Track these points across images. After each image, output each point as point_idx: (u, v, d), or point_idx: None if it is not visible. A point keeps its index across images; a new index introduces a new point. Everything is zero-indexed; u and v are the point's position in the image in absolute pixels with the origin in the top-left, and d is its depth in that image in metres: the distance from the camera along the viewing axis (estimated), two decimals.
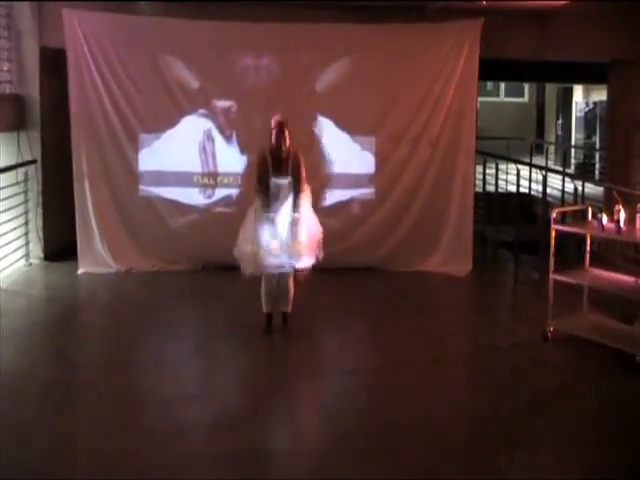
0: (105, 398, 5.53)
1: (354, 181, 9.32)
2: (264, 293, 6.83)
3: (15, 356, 6.28)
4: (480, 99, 11.02)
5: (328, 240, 9.03)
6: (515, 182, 10.47)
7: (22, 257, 9.26)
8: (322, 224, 9.13)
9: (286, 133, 6.63)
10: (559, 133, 21.85)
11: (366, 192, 9.35)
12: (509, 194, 11.29)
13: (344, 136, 9.22)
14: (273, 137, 6.64)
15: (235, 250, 6.76)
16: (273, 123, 6.68)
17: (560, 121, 21.90)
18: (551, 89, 22.28)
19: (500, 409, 5.40)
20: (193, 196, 9.23)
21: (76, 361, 6.40)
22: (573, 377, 6.04)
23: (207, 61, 9.04)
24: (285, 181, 6.66)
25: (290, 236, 6.67)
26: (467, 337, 7.24)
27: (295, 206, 6.69)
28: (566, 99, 21.48)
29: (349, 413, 5.39)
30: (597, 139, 19.16)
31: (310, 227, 6.82)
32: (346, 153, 9.24)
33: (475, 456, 4.80)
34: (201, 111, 9.13)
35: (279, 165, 6.65)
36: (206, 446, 4.84)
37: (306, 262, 6.78)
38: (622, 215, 6.41)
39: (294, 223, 6.67)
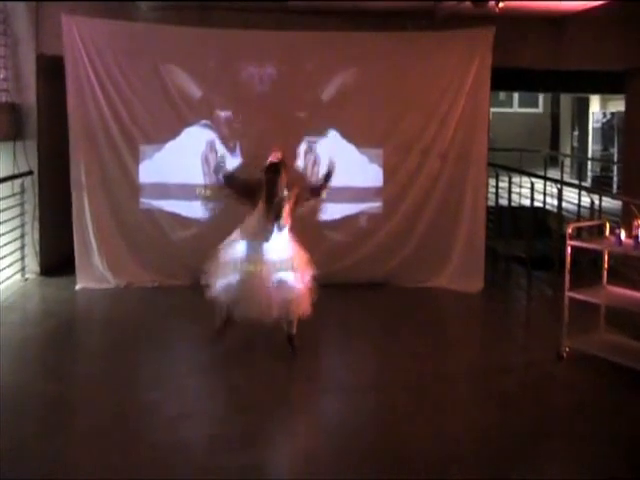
0: (102, 415, 5.57)
1: (361, 194, 9.38)
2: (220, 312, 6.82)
3: (9, 372, 6.33)
4: (492, 109, 11.09)
5: (334, 255, 9.22)
6: (529, 195, 10.50)
7: (18, 272, 9.33)
8: (328, 238, 9.31)
9: (281, 180, 6.52)
10: (575, 145, 21.90)
11: (374, 206, 9.41)
12: (522, 208, 11.32)
13: (351, 148, 9.29)
14: (265, 183, 6.52)
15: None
16: (266, 166, 6.57)
17: (576, 132, 21.95)
18: (566, 99, 22.35)
19: (512, 429, 5.43)
20: (195, 209, 9.29)
21: (72, 378, 6.43)
22: (588, 396, 6.06)
23: (210, 70, 9.13)
24: (273, 225, 6.58)
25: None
26: (478, 355, 7.28)
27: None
28: (582, 110, 21.54)
29: (354, 432, 5.42)
30: (615, 151, 19.20)
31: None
32: (353, 165, 9.29)
33: (485, 477, 4.82)
34: (204, 121, 9.21)
35: (270, 208, 6.55)
36: (207, 465, 4.87)
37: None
38: None
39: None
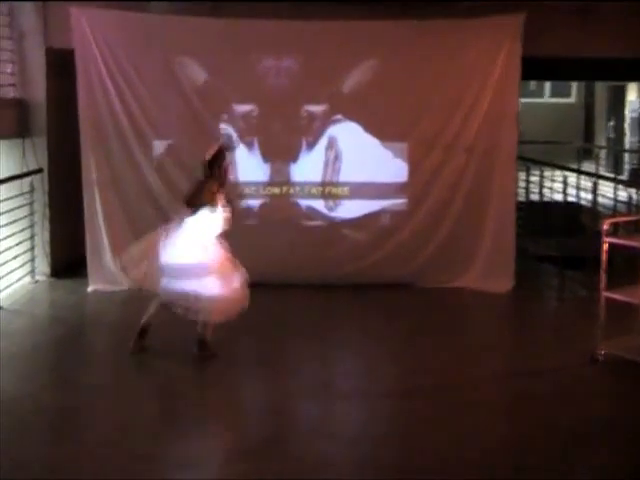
0: (113, 426, 5.56)
1: (385, 190, 9.32)
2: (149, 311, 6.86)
3: (17, 381, 6.34)
4: (522, 100, 10.96)
5: (356, 254, 9.18)
6: (561, 190, 10.39)
7: (27, 274, 9.34)
8: (349, 236, 9.27)
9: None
10: (610, 136, 21.69)
11: (397, 202, 9.34)
12: (554, 203, 11.22)
13: (374, 142, 9.23)
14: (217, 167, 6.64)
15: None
16: (212, 151, 6.66)
17: (611, 123, 21.74)
18: (601, 88, 22.15)
19: (541, 438, 5.34)
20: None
21: (82, 386, 6.42)
22: (624, 405, 5.97)
23: (225, 63, 9.08)
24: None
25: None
26: (507, 359, 7.21)
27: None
28: (618, 98, 21.33)
29: (375, 439, 5.37)
30: None
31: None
32: (376, 160, 9.25)
33: None
34: (219, 116, 9.16)
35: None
36: (221, 476, 4.82)
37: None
38: None
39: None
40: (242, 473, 4.89)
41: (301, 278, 8.80)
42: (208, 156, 6.60)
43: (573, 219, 11.31)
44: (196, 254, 6.60)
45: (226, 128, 9.13)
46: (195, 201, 6.66)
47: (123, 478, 4.78)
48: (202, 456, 5.10)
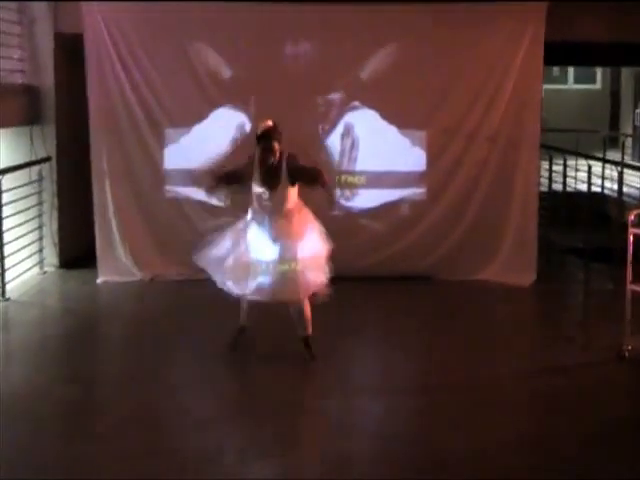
0: (126, 420, 5.59)
1: (403, 179, 9.32)
2: (241, 306, 6.74)
3: (28, 374, 6.40)
4: (545, 87, 10.95)
5: (374, 246, 9.19)
6: (586, 180, 10.36)
7: (36, 264, 9.41)
8: (367, 227, 9.28)
9: (275, 145, 6.35)
10: (637, 124, 21.55)
11: (416, 192, 9.35)
12: (579, 194, 11.20)
13: (392, 129, 9.23)
14: (260, 151, 6.41)
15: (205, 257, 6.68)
16: (259, 133, 6.43)
17: (638, 110, 21.62)
18: (628, 74, 21.98)
19: (565, 438, 5.34)
20: (224, 197, 9.29)
21: (94, 379, 6.49)
22: None
23: (241, 48, 9.09)
24: (271, 196, 6.43)
25: (281, 254, 6.42)
26: (529, 355, 7.20)
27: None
28: None
29: (394, 438, 5.37)
30: None
31: (313, 244, 6.57)
32: (394, 148, 9.26)
33: None
34: (235, 103, 9.19)
35: (266, 179, 6.42)
36: (235, 474, 4.87)
37: (307, 287, 6.52)
38: None
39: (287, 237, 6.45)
40: (261, 471, 4.92)
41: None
42: (258, 130, 6.48)
43: (599, 210, 11.29)
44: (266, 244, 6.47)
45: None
46: (229, 179, 6.62)
47: (139, 474, 4.81)
48: (219, 452, 5.13)
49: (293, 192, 6.50)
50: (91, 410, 5.87)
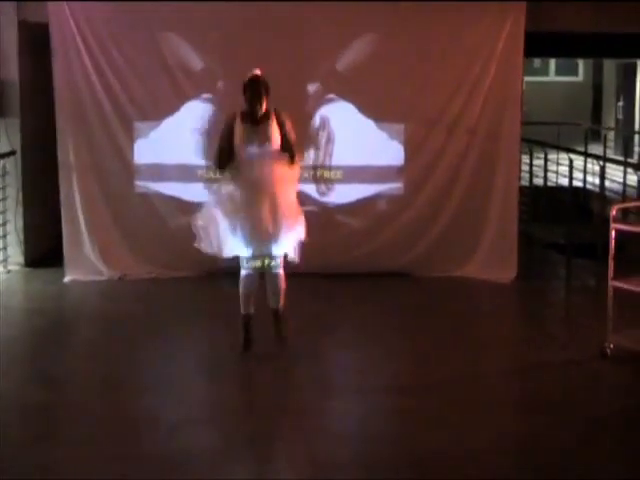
0: (96, 423, 5.57)
1: (380, 174, 9.34)
2: (242, 293, 6.69)
3: None
4: (526, 79, 11.00)
5: (350, 242, 9.21)
6: (567, 174, 10.43)
7: None
8: (343, 223, 9.29)
9: (262, 94, 6.37)
10: (619, 117, 21.73)
11: (394, 187, 9.36)
12: (560, 188, 11.29)
13: (369, 122, 9.25)
14: (247, 100, 6.39)
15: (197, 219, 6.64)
16: (247, 80, 6.43)
17: (621, 103, 21.78)
18: (610, 66, 22.16)
19: (549, 438, 5.37)
20: (197, 192, 9.23)
21: (62, 382, 6.43)
22: (637, 401, 6.02)
23: (213, 39, 9.07)
24: (260, 150, 6.41)
25: (269, 219, 6.40)
26: (511, 353, 7.25)
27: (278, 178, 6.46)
28: (628, 77, 21.34)
29: (372, 437, 5.39)
30: None
31: (290, 206, 6.57)
32: (371, 142, 9.27)
33: None
34: (206, 96, 9.17)
35: (253, 132, 6.41)
36: (210, 477, 4.85)
37: (287, 247, 6.56)
38: None
39: (272, 202, 6.41)
40: (236, 474, 4.92)
41: (290, 267, 8.83)
42: (246, 78, 6.46)
43: (580, 205, 11.37)
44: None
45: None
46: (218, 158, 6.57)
47: (106, 478, 4.79)
48: (193, 455, 5.11)
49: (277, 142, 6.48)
50: (59, 414, 5.83)
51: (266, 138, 6.44)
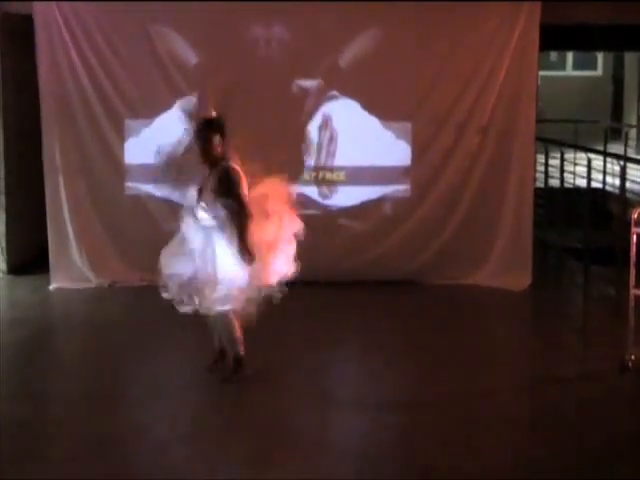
0: (82, 440, 5.57)
1: (385, 175, 9.36)
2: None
3: None
4: (541, 73, 11.01)
5: (354, 247, 9.21)
6: (585, 175, 10.42)
7: None
8: (346, 227, 9.29)
9: (213, 140, 6.20)
10: None
11: (400, 189, 9.38)
12: (577, 190, 11.26)
13: (374, 121, 9.26)
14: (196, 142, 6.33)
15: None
16: (195, 127, 6.37)
17: None
18: (632, 59, 22.13)
19: (565, 455, 5.37)
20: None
21: (46, 396, 6.45)
22: None
23: (208, 32, 9.09)
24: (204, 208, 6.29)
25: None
26: (525, 366, 7.25)
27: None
28: None
29: (376, 456, 5.39)
30: None
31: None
32: (376, 141, 9.28)
33: None
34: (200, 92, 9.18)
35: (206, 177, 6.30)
36: None
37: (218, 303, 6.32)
38: None
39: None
40: None
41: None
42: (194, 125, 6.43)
43: (599, 207, 11.35)
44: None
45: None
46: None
47: None
48: (185, 474, 5.11)
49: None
50: (42, 430, 5.81)
51: (212, 187, 6.28)
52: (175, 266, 6.44)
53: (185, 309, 6.38)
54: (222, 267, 6.26)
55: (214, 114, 6.36)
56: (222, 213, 6.27)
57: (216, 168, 6.26)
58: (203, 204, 6.29)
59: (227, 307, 6.33)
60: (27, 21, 8.90)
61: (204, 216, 6.31)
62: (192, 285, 6.34)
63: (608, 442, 5.61)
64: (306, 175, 9.33)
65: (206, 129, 6.27)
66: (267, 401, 6.27)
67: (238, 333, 6.48)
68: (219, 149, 6.26)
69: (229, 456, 5.39)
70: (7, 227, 9.54)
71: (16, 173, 9.61)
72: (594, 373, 6.79)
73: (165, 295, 6.47)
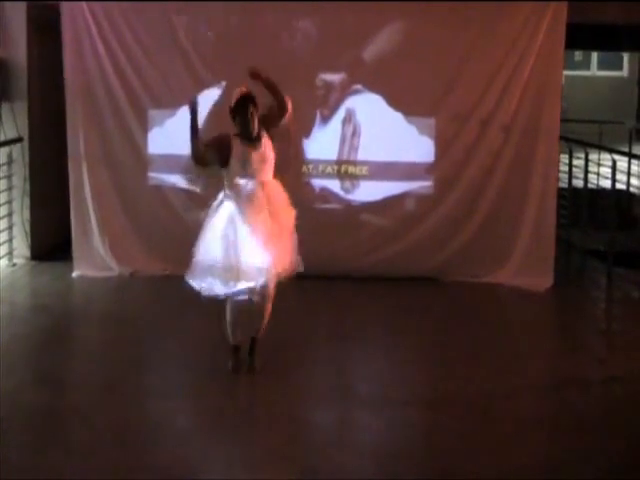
0: (101, 430, 5.59)
1: (408, 171, 9.33)
2: (229, 322, 6.59)
3: None
4: (566, 73, 10.97)
5: (375, 243, 9.20)
6: (610, 176, 10.36)
7: (4, 256, 9.39)
8: (368, 223, 9.28)
9: (254, 115, 6.30)
10: None
11: (423, 185, 9.36)
12: (602, 191, 11.18)
13: (398, 116, 9.23)
14: (238, 124, 6.35)
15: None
16: (234, 98, 6.35)
17: None
18: None
19: (589, 459, 5.34)
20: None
21: (67, 384, 6.49)
22: None
23: (232, 23, 9.11)
24: (252, 183, 6.37)
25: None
26: (545, 367, 7.20)
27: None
28: None
29: (394, 455, 5.38)
30: None
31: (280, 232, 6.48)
32: (399, 136, 9.26)
33: None
34: (224, 83, 9.18)
35: (249, 153, 6.35)
36: None
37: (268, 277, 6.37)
38: None
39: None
40: None
41: (312, 269, 8.78)
42: (231, 103, 6.40)
43: (624, 209, 11.29)
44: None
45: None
46: (199, 158, 6.59)
47: None
48: (204, 468, 5.13)
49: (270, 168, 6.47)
50: (64, 418, 5.85)
51: (262, 159, 6.39)
52: (211, 253, 6.42)
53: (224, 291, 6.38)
54: (247, 251, 6.31)
55: (246, 89, 6.39)
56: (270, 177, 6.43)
57: (259, 138, 6.37)
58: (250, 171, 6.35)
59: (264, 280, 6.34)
60: (54, 11, 8.92)
61: (250, 186, 6.37)
62: (230, 269, 6.34)
63: (631, 445, 5.57)
64: (328, 169, 9.32)
65: (247, 102, 6.32)
66: (285, 396, 6.27)
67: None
68: (257, 122, 6.34)
69: (247, 451, 5.38)
70: (31, 213, 9.56)
71: (40, 159, 9.63)
72: (616, 375, 6.74)
73: (196, 284, 6.48)
